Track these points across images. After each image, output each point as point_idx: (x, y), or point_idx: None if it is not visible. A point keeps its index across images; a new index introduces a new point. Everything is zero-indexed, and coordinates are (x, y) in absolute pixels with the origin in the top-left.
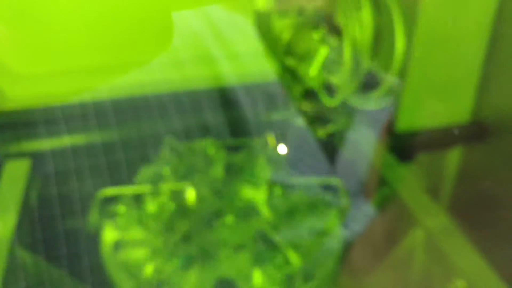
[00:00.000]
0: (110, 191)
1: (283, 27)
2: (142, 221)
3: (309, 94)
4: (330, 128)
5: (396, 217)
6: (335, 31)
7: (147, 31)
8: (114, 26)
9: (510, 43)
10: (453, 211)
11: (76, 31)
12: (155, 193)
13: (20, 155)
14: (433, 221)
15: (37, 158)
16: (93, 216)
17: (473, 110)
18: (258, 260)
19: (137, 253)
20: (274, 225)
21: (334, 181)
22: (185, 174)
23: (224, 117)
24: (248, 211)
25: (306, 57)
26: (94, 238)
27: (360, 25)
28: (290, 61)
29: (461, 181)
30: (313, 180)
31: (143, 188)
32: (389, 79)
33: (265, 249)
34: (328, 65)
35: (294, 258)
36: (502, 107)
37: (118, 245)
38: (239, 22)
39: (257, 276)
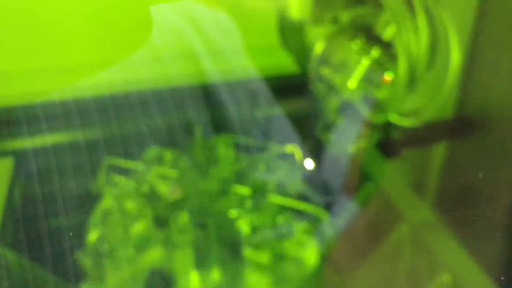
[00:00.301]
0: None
1: (317, 36)
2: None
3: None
4: (361, 143)
5: (382, 212)
6: (376, 41)
7: (126, 26)
8: (94, 22)
9: (492, 37)
10: (438, 206)
11: (57, 29)
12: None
13: (3, 154)
14: (418, 216)
15: (19, 157)
16: (100, 180)
17: (457, 105)
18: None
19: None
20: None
21: (290, 149)
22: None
23: (207, 114)
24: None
25: (343, 67)
26: (78, 238)
27: (415, 37)
28: (325, 71)
29: (446, 176)
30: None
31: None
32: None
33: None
34: (370, 77)
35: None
36: (485, 102)
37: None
38: (221, 18)
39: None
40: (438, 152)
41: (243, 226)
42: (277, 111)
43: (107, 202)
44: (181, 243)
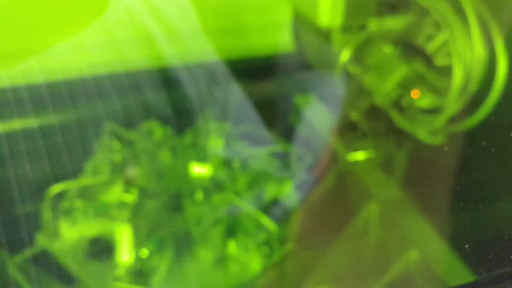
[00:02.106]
0: (59, 186)
1: (346, 42)
2: (103, 212)
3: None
4: (364, 154)
5: (351, 191)
6: (417, 52)
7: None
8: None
9: None
10: (405, 185)
11: (5, 10)
12: (110, 182)
13: None
14: (386, 194)
15: None
16: (46, 215)
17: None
18: (231, 232)
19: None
20: (237, 196)
21: (285, 147)
22: (134, 159)
23: (166, 97)
24: (209, 187)
25: (375, 68)
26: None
27: (471, 48)
28: (354, 69)
29: (412, 157)
30: (268, 150)
31: (96, 179)
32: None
33: (236, 220)
34: (406, 85)
35: (269, 223)
36: None
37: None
38: (178, 0)
39: (232, 248)
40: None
41: (191, 216)
42: (238, 93)
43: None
44: (119, 217)
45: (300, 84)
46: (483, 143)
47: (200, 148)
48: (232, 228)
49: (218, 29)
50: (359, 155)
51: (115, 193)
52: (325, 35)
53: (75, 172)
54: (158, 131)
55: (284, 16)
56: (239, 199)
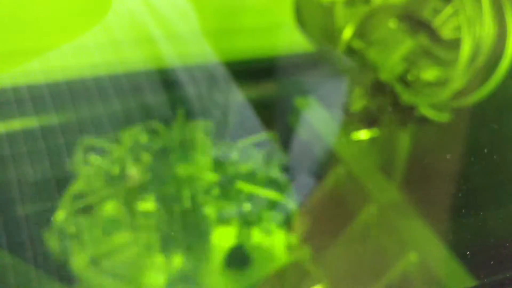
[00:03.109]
0: (62, 213)
1: (349, 16)
2: (112, 228)
3: (379, 87)
4: (368, 133)
5: (350, 193)
6: (422, 26)
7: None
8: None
9: None
10: (405, 188)
11: (9, 11)
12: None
13: None
14: (385, 197)
15: None
16: (54, 244)
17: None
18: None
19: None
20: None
21: (267, 136)
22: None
23: (165, 98)
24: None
25: (379, 43)
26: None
27: (480, 22)
28: (358, 44)
29: (413, 159)
30: (248, 141)
31: (92, 198)
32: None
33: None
34: (412, 59)
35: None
36: None
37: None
38: (178, 2)
39: (256, 235)
40: (405, 134)
41: (210, 212)
42: (238, 95)
43: (80, 183)
44: (145, 226)
45: (300, 86)
46: (485, 150)
47: (188, 148)
48: (249, 218)
49: (217, 30)
50: (363, 134)
51: (113, 207)
52: (327, 9)
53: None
54: (143, 136)
55: (283, 18)
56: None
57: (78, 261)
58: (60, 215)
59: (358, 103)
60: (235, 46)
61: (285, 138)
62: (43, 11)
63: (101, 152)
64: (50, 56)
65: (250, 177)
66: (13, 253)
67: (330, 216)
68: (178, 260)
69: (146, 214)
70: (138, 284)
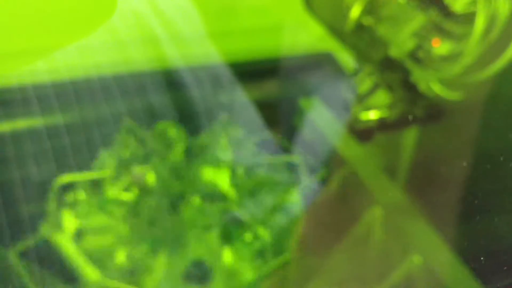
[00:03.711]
0: (67, 177)
1: None
2: (104, 207)
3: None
4: (378, 112)
5: (354, 195)
6: (431, 0)
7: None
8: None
9: None
10: (409, 189)
11: (13, 9)
12: (116, 178)
13: None
14: (389, 199)
15: None
16: (51, 205)
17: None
18: (227, 239)
19: (103, 241)
20: (238, 204)
21: (295, 158)
22: (145, 158)
23: (170, 99)
24: (212, 192)
25: (389, 19)
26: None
27: None
28: (368, 20)
29: (417, 161)
30: (276, 159)
31: (102, 173)
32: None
33: (233, 227)
34: (423, 34)
35: (264, 233)
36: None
37: (79, 234)
38: (182, 3)
39: (227, 255)
40: (410, 137)
41: (190, 217)
42: (242, 96)
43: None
44: (203, 225)
45: (305, 87)
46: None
47: (212, 152)
48: (229, 235)
49: (221, 31)
50: (372, 114)
51: (118, 189)
52: None
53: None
54: (172, 131)
55: (288, 18)
56: (238, 206)
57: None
58: (63, 179)
59: (366, 84)
60: (239, 47)
61: (289, 139)
62: (49, 12)
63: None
64: (56, 56)
65: (253, 178)
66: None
67: (334, 218)
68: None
69: (121, 202)
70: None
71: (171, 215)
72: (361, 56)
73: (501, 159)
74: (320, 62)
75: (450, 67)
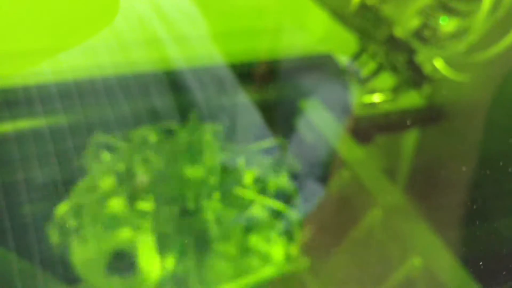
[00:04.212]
0: (65, 206)
1: None
2: (113, 225)
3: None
4: (382, 96)
5: (354, 197)
6: None
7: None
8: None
9: None
10: (409, 191)
11: (16, 9)
12: (113, 193)
13: None
14: (390, 201)
15: None
16: (54, 237)
17: (429, 94)
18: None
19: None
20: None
21: (278, 141)
22: (135, 167)
23: (173, 101)
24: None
25: None
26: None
27: None
28: (372, 0)
29: (417, 162)
30: (257, 146)
31: (97, 194)
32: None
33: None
34: (428, 12)
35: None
36: (456, 92)
37: None
38: (184, 3)
39: (253, 241)
40: (410, 139)
41: (210, 216)
42: (244, 98)
43: (89, 178)
44: (143, 226)
45: (304, 89)
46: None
47: (196, 150)
48: (251, 224)
49: (224, 33)
50: (376, 97)
51: (117, 204)
52: None
53: (82, 174)
54: (153, 136)
55: (288, 20)
56: (256, 195)
57: (78, 255)
58: (62, 209)
59: (370, 66)
60: (239, 48)
61: (289, 141)
62: (53, 14)
63: (112, 149)
64: (60, 57)
65: (256, 183)
66: (20, 254)
67: (334, 220)
68: (170, 262)
69: (144, 213)
70: (133, 282)
71: (188, 217)
72: (365, 36)
73: (501, 163)
74: (320, 63)
75: (456, 45)
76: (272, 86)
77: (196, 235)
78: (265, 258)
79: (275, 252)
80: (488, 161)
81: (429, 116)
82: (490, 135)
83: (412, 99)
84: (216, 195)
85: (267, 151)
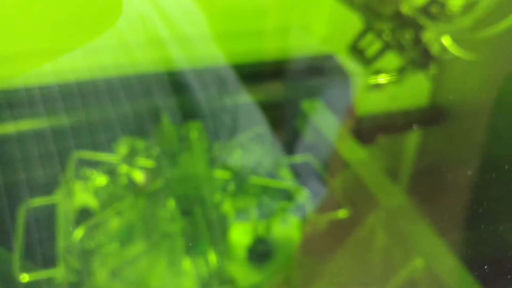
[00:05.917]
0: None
1: None
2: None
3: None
4: (387, 77)
5: (358, 199)
6: None
7: (95, 8)
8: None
9: None
10: (412, 193)
11: (20, 11)
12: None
13: None
14: (392, 202)
15: None
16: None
17: (431, 95)
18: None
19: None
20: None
21: (306, 158)
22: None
23: (175, 100)
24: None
25: None
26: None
27: None
28: None
29: (419, 163)
30: (279, 162)
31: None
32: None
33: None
34: None
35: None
36: (458, 92)
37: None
38: (186, 5)
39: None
40: (413, 139)
41: (228, 209)
42: (246, 98)
43: (80, 197)
44: (171, 231)
45: (308, 90)
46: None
47: (213, 154)
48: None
49: (226, 33)
50: (382, 78)
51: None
52: None
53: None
54: (168, 136)
55: (292, 21)
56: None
57: (100, 275)
58: (78, 234)
59: (376, 45)
60: (242, 49)
61: (292, 141)
62: (57, 16)
63: (95, 165)
64: (62, 58)
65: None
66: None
67: (336, 221)
68: (201, 261)
69: (170, 218)
70: None
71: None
72: (371, 14)
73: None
74: (323, 64)
75: (463, 20)
76: (274, 86)
77: (219, 231)
78: (287, 241)
79: (294, 231)
80: (492, 163)
81: (431, 117)
82: (494, 136)
83: (414, 99)
84: (231, 188)
85: (255, 139)
